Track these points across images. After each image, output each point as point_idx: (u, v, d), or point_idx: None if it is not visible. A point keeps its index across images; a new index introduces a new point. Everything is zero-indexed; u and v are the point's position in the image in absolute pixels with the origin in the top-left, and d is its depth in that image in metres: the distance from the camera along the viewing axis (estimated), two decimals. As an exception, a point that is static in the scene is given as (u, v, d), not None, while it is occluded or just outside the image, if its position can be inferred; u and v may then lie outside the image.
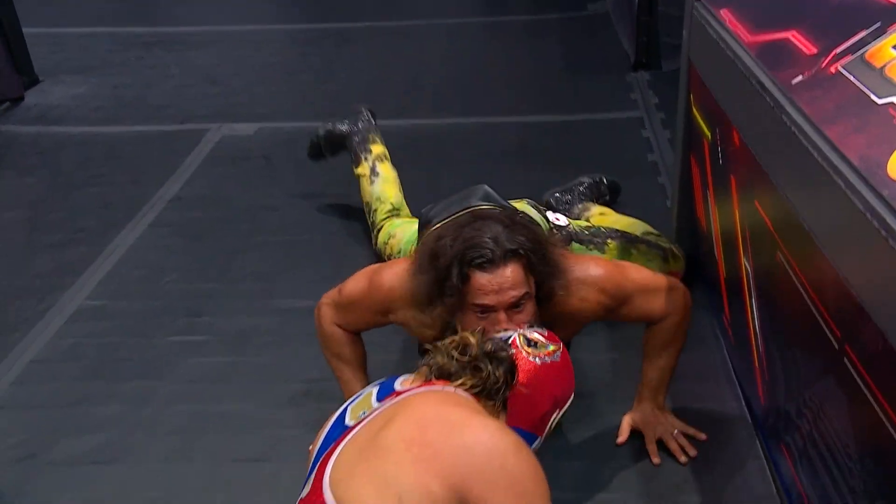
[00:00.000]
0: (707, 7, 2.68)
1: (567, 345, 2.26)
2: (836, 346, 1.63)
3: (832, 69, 1.82)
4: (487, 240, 1.97)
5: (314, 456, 1.80)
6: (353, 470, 1.72)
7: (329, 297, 2.36)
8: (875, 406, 1.48)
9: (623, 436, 2.35)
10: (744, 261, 2.33)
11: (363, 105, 3.68)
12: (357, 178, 3.42)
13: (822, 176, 1.61)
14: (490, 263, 1.96)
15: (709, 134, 2.65)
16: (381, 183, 3.31)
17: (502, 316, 1.99)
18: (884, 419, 1.43)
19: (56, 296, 3.13)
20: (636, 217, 3.20)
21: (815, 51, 1.96)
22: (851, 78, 1.74)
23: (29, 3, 5.23)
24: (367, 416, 1.80)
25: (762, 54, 2.17)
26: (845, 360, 1.58)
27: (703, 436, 2.36)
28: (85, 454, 2.40)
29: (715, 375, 2.55)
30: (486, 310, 2.00)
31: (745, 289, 2.34)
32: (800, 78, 1.90)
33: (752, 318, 2.28)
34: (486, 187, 2.64)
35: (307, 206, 3.70)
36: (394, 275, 2.22)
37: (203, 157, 4.18)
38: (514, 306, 2.00)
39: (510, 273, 1.98)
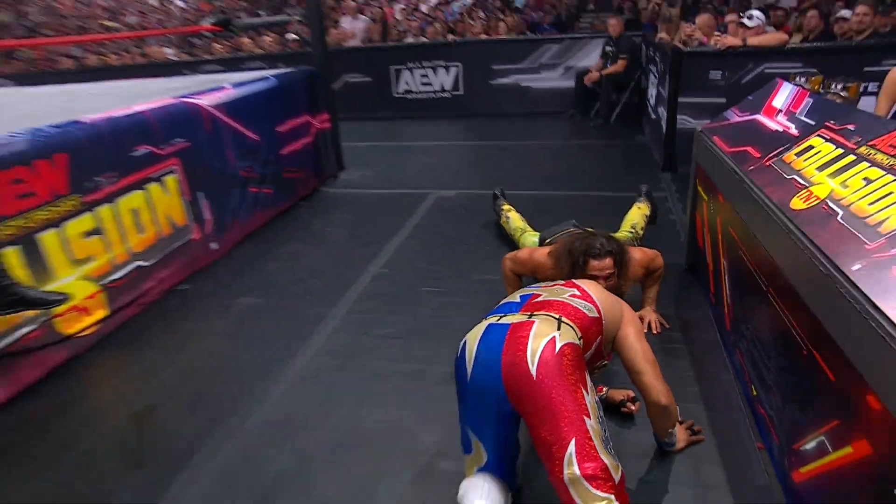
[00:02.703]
0: (706, 134, 2.72)
1: (623, 296, 2.42)
2: (768, 294, 1.78)
3: (767, 163, 2.03)
4: (598, 245, 2.23)
5: (484, 333, 1.63)
6: (563, 289, 1.82)
7: (508, 256, 2.59)
8: (786, 322, 1.63)
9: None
10: (723, 260, 2.39)
11: (497, 188, 3.79)
12: (502, 225, 3.52)
13: (764, 209, 1.80)
14: (599, 255, 2.23)
15: (706, 197, 2.71)
16: (512, 221, 3.38)
17: (601, 283, 2.17)
18: (793, 333, 1.57)
19: (363, 267, 3.34)
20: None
21: (758, 155, 2.13)
22: (775, 167, 1.96)
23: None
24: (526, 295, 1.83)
25: (733, 156, 2.29)
26: (770, 298, 1.75)
27: (667, 325, 2.58)
28: (387, 335, 2.65)
29: (705, 320, 2.59)
30: (594, 279, 2.20)
31: (722, 274, 2.40)
32: (752, 167, 2.09)
33: (726, 289, 2.35)
34: (574, 221, 2.93)
35: (484, 233, 3.73)
36: (541, 255, 2.47)
37: (429, 207, 4.30)
38: (606, 278, 2.24)
39: (607, 261, 2.23)
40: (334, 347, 2.63)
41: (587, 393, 1.49)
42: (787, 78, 2.59)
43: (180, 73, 7.58)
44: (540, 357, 1.49)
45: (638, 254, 2.53)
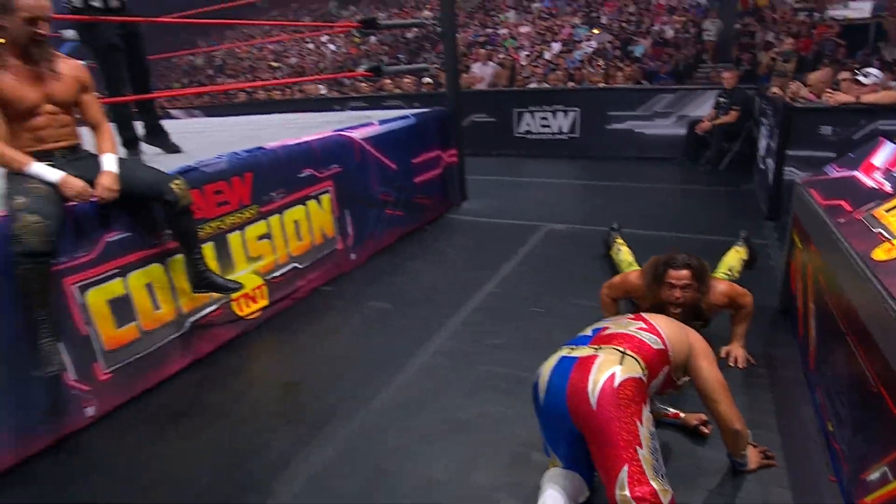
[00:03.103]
0: (804, 187, 2.74)
1: (708, 322, 2.60)
2: (846, 336, 1.81)
3: (857, 216, 2.04)
4: (679, 258, 2.42)
5: (556, 364, 1.74)
6: (630, 321, 1.87)
7: (606, 284, 2.75)
8: (860, 361, 1.69)
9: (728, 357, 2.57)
10: (810, 303, 2.42)
11: (615, 223, 3.89)
12: (611, 255, 3.63)
13: (847, 259, 1.86)
14: (676, 266, 2.41)
15: (800, 245, 2.72)
16: (622, 254, 3.45)
17: (678, 292, 2.42)
18: (865, 371, 1.64)
19: (478, 286, 3.55)
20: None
21: (850, 209, 2.15)
22: (864, 220, 1.97)
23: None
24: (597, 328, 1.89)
25: (827, 209, 2.31)
26: (848, 341, 1.80)
27: (753, 361, 2.57)
28: (495, 345, 2.85)
29: (793, 359, 2.59)
30: (671, 287, 2.42)
31: (810, 315, 2.42)
32: (842, 219, 2.11)
33: (812, 329, 2.37)
34: None
35: (589, 264, 3.79)
36: (634, 276, 2.66)
37: (540, 237, 4.42)
38: (683, 288, 2.41)
39: (684, 272, 2.39)
40: (449, 350, 2.88)
41: (641, 424, 1.56)
42: (892, 136, 2.57)
43: (331, 108, 8.32)
44: (600, 390, 1.59)
45: (724, 286, 2.59)
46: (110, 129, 2.51)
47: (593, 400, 1.58)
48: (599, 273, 3.63)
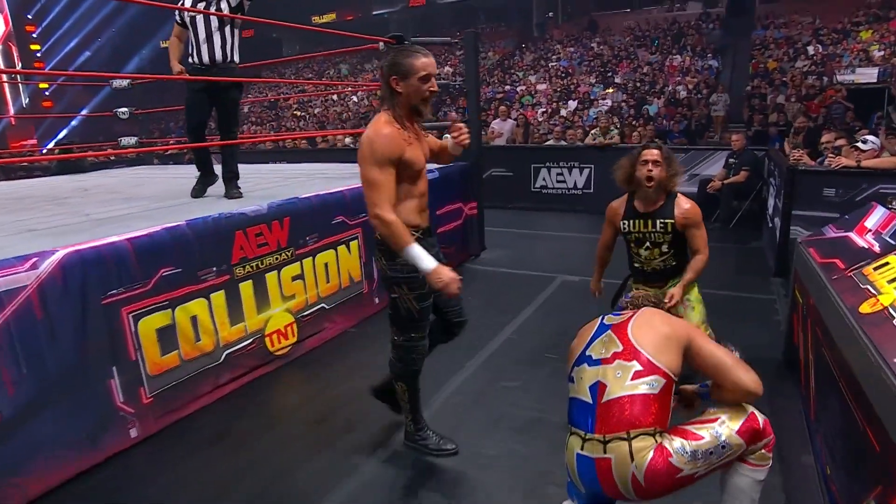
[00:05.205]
0: (804, 245, 2.92)
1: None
2: (839, 383, 1.98)
3: (848, 274, 2.26)
4: (651, 142, 2.81)
5: (578, 464, 1.73)
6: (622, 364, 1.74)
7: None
8: (849, 405, 1.86)
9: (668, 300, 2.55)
10: (810, 354, 2.56)
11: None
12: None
13: (839, 313, 2.04)
14: (648, 147, 2.73)
15: (801, 301, 2.87)
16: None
17: (650, 166, 2.66)
18: (854, 414, 1.80)
19: (497, 329, 3.75)
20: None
21: (843, 267, 2.35)
22: (854, 277, 2.19)
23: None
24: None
25: (822, 266, 2.51)
26: (840, 388, 1.97)
27: (672, 304, 2.54)
28: (511, 387, 3.03)
29: (795, 406, 2.73)
30: (645, 163, 2.67)
31: (810, 366, 2.55)
32: (835, 276, 2.32)
33: (811, 379, 2.51)
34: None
35: (600, 312, 3.96)
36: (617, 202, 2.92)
37: (555, 289, 4.59)
38: (654, 163, 2.65)
39: (655, 151, 2.69)
40: (468, 390, 3.07)
41: (684, 472, 1.64)
42: (885, 201, 2.78)
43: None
44: (633, 490, 1.66)
45: (693, 205, 2.76)
46: None
47: (633, 496, 1.66)
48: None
